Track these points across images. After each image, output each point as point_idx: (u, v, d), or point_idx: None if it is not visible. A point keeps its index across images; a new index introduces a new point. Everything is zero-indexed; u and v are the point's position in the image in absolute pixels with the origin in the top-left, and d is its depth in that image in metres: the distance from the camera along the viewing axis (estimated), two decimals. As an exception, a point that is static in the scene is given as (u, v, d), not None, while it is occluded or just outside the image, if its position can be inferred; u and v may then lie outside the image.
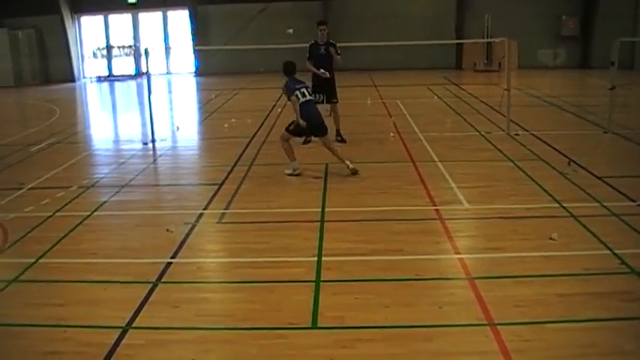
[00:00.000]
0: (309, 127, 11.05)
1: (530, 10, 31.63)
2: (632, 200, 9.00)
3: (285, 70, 11.31)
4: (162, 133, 15.44)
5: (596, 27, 31.26)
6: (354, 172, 10.80)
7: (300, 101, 10.92)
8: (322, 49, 13.31)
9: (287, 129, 11.19)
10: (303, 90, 11.08)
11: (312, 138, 13.44)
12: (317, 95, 13.35)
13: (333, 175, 10.93)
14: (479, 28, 31.21)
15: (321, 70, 13.08)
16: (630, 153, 12.44)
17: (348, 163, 10.88)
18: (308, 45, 13.58)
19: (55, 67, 33.04)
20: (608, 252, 7.10)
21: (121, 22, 34.83)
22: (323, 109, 13.62)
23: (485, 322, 5.56)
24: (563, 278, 6.50)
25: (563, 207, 8.76)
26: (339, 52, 13.38)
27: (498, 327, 5.44)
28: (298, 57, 13.40)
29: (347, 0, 32.76)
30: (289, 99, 11.16)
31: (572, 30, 32.27)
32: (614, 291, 6.16)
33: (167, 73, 34.90)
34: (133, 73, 33.72)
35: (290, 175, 10.96)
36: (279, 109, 18.60)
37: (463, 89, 23.74)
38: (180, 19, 34.28)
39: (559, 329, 5.43)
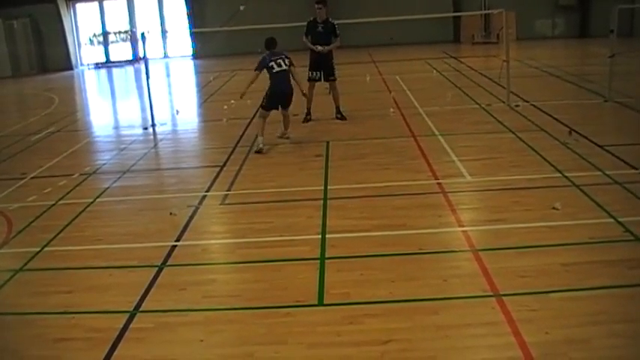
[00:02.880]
0: (275, 97, 11.54)
1: (527, -21, 31.41)
2: (634, 168, 9.00)
3: (265, 45, 11.68)
4: (161, 117, 15.40)
5: (594, -5, 31.04)
6: (281, 137, 12.06)
7: (273, 71, 11.45)
8: (320, 27, 13.23)
9: (261, 106, 11.66)
10: (280, 61, 11.49)
11: (312, 117, 13.48)
12: (315, 73, 13.36)
13: (335, 152, 10.93)
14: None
15: (318, 47, 13.05)
16: (631, 121, 12.42)
17: (287, 132, 12.10)
18: (307, 22, 13.48)
19: (52, 55, 32.86)
20: (612, 220, 7.11)
21: (116, 7, 34.63)
22: (322, 86, 13.65)
23: (490, 294, 5.58)
24: (568, 247, 6.51)
25: (566, 177, 8.76)
26: (338, 32, 13.31)
27: (504, 298, 5.46)
28: (295, 35, 13.39)
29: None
30: (254, 70, 11.51)
31: (569, -1, 32.03)
32: (620, 259, 6.18)
33: (164, 57, 34.75)
34: (130, 58, 33.58)
35: (257, 152, 11.24)
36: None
37: (462, 62, 23.66)
38: (175, 2, 34.06)
39: (566, 298, 5.44)
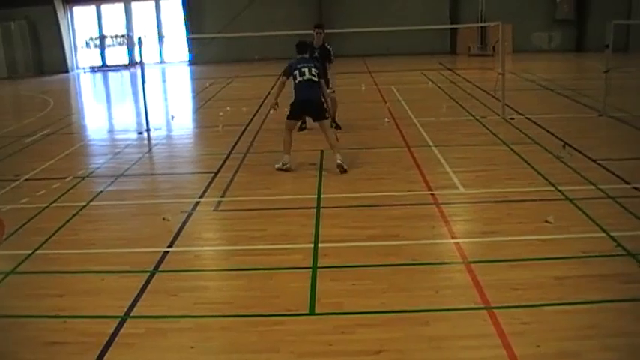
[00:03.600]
0: (299, 107, 10.71)
1: (525, -7, 31.62)
2: (627, 183, 9.04)
3: (296, 49, 11.06)
4: (156, 122, 15.40)
5: (591, 10, 31.24)
6: (342, 170, 10.19)
7: (296, 80, 10.62)
8: (316, 52, 13.14)
9: (287, 116, 10.86)
10: (304, 69, 10.58)
11: (308, 125, 13.47)
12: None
13: (329, 161, 10.90)
14: (473, 12, 31.20)
15: None
16: (625, 136, 12.48)
17: (338, 157, 10.31)
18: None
19: (48, 57, 32.89)
20: (604, 234, 7.13)
21: (113, 11, 34.67)
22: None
23: (482, 306, 5.58)
24: (560, 261, 6.53)
25: (559, 190, 8.79)
26: (332, 58, 13.29)
27: (495, 310, 5.47)
28: (292, 44, 13.38)
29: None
30: (281, 75, 10.86)
31: (566, 13, 32.24)
32: (613, 273, 6.20)
33: (161, 62, 34.80)
34: (126, 62, 33.58)
35: (279, 169, 10.49)
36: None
37: (457, 74, 23.74)
38: (173, 7, 34.12)
39: (559, 311, 5.45)
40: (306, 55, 11.11)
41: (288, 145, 10.67)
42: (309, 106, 10.67)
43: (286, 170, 10.50)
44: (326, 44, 13.33)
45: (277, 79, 11.27)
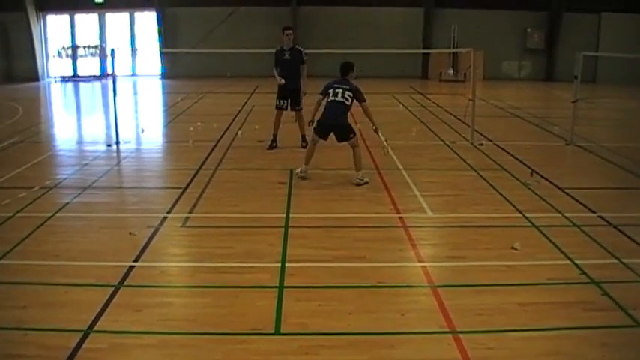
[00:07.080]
0: (323, 127, 11.04)
1: (497, 22, 32.10)
2: (592, 211, 9.16)
3: (340, 69, 11.35)
4: (126, 135, 15.28)
5: (561, 41, 31.82)
6: (360, 184, 10.73)
7: (328, 99, 10.98)
8: (287, 55, 13.30)
9: (314, 130, 11.17)
10: (338, 90, 10.94)
11: (278, 144, 13.49)
12: (282, 101, 13.41)
13: (298, 181, 10.93)
14: (445, 38, 31.54)
15: (282, 80, 13.09)
16: (591, 165, 12.67)
17: (359, 174, 10.87)
18: (274, 52, 13.57)
19: (19, 65, 32.51)
20: (569, 262, 7.22)
21: (87, 21, 34.46)
22: (288, 115, 13.67)
23: (447, 330, 5.61)
24: (525, 287, 6.59)
25: (525, 217, 8.88)
26: (305, 58, 13.39)
27: (460, 335, 5.49)
28: (267, 62, 13.41)
29: (316, 6, 32.81)
30: (319, 93, 11.23)
31: (537, 43, 32.80)
32: (576, 300, 6.26)
33: (133, 74, 34.62)
34: (98, 73, 33.37)
35: (297, 174, 11.06)
36: (245, 115, 18.72)
37: (428, 99, 23.94)
38: (147, 20, 34.02)
39: (522, 337, 5.50)
40: (347, 77, 11.22)
41: (308, 157, 11.18)
42: (333, 129, 11.06)
43: (302, 178, 10.94)
44: (296, 45, 13.42)
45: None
